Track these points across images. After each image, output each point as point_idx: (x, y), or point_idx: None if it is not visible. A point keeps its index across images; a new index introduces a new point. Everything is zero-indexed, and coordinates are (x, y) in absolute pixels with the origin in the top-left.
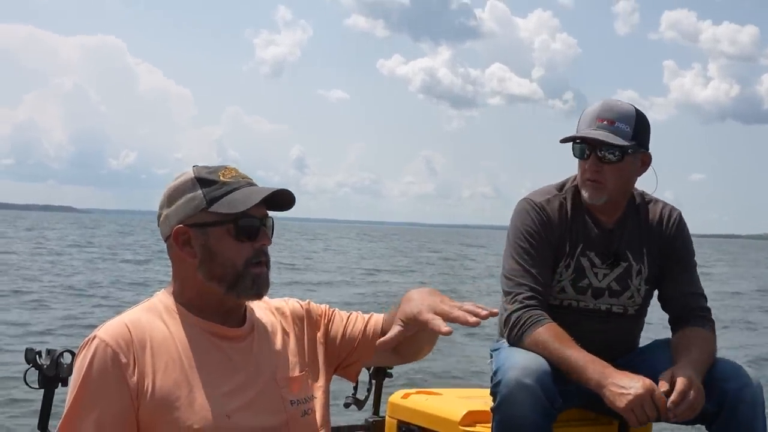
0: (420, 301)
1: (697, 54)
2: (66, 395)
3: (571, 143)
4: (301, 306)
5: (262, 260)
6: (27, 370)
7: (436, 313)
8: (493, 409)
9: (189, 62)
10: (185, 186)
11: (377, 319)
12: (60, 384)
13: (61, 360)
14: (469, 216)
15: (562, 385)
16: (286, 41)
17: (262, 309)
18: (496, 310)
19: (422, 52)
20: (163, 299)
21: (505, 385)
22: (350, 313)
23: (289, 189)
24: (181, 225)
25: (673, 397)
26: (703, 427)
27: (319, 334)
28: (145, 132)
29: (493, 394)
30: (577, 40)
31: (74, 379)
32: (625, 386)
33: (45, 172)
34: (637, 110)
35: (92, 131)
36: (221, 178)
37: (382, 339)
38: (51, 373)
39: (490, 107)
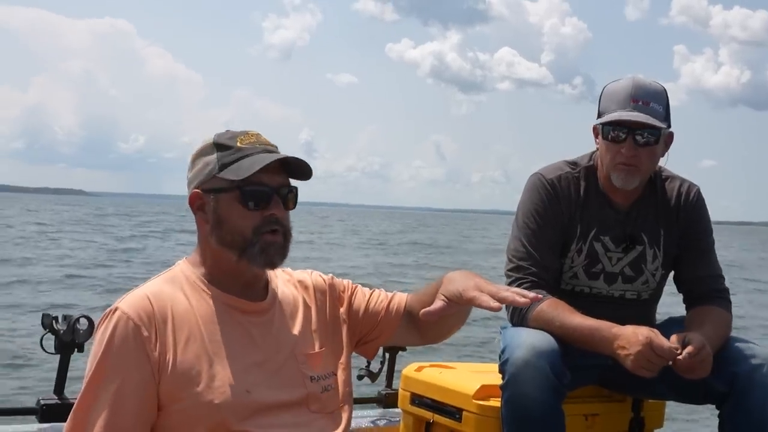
0: (464, 280)
1: (708, 39)
2: (82, 362)
3: (601, 126)
4: (324, 280)
5: (276, 229)
6: (43, 336)
7: (482, 292)
8: (501, 387)
9: (197, 45)
10: (204, 151)
11: (401, 297)
12: (76, 350)
13: (78, 326)
14: (479, 201)
15: (573, 361)
16: (295, 25)
17: (284, 281)
18: (540, 296)
19: (431, 36)
20: (184, 269)
21: (512, 363)
22: (373, 290)
23: (302, 158)
24: (197, 190)
25: (689, 348)
26: (714, 407)
27: (342, 310)
28: (153, 116)
29: (502, 372)
30: (587, 25)
31: (95, 351)
32: (626, 346)
33: (55, 156)
34: (664, 88)
35: (102, 115)
36: (238, 143)
37: (426, 309)
38: (68, 339)
39: (499, 92)
